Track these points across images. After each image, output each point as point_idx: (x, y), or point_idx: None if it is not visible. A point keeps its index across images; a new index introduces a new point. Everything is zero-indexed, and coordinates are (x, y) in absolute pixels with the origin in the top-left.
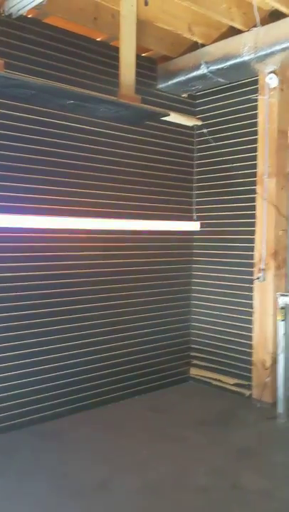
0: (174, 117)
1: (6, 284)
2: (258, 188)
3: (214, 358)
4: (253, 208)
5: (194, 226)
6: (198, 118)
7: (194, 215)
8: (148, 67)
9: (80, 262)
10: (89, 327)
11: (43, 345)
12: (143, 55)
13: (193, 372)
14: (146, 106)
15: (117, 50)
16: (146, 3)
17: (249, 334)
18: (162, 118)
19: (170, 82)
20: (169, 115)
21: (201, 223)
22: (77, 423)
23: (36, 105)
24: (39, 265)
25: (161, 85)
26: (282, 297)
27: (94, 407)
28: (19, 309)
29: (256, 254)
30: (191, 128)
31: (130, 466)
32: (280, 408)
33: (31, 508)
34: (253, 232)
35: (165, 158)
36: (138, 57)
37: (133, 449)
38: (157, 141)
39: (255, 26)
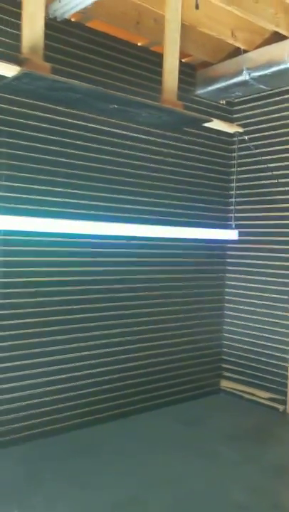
0: (215, 124)
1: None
2: None
3: (247, 371)
4: None
5: (232, 235)
6: (237, 125)
7: (233, 223)
8: (187, 73)
9: (115, 268)
10: (120, 334)
11: (75, 351)
12: (183, 60)
13: (225, 384)
14: (188, 112)
15: (157, 55)
16: (197, 7)
17: (285, 348)
18: (203, 124)
19: (209, 89)
20: (211, 121)
21: (239, 232)
22: (107, 433)
23: (76, 109)
24: (77, 271)
25: (199, 91)
26: None
27: (124, 417)
28: (56, 314)
29: None
30: (231, 135)
31: (162, 480)
32: None
33: None
34: None
35: (202, 165)
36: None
37: (164, 463)
38: (194, 147)
39: None
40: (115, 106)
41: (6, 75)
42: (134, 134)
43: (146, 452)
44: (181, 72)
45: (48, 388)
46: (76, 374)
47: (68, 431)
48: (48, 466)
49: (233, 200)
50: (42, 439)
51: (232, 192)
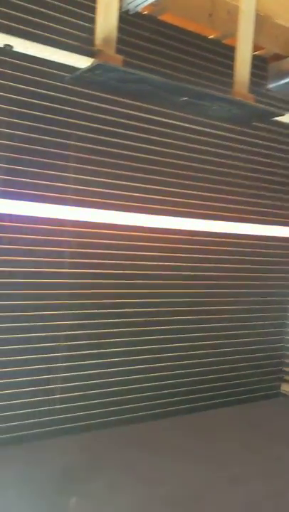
0: (287, 117)
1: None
2: None
3: None
4: None
5: None
6: None
7: None
8: (258, 66)
9: (179, 263)
10: (179, 331)
11: (136, 345)
12: (254, 53)
13: (286, 388)
14: (260, 105)
15: (229, 48)
16: None
17: None
18: (274, 118)
19: (282, 82)
20: (283, 115)
21: None
22: (166, 429)
23: (146, 102)
24: (140, 264)
25: (271, 85)
26: None
27: (182, 414)
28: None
29: None
30: None
31: (222, 481)
32: None
33: None
34: None
35: (270, 160)
36: None
37: (225, 463)
38: (262, 142)
39: None
40: (186, 99)
41: (79, 67)
42: (202, 128)
43: (204, 450)
44: (252, 65)
45: (114, 379)
46: (141, 366)
47: (129, 423)
48: (108, 456)
49: None
50: (102, 429)
51: None
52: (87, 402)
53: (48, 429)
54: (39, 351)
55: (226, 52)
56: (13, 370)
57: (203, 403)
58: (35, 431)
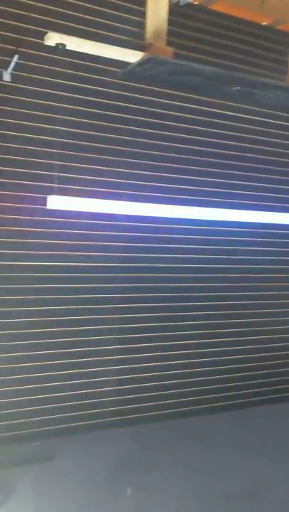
0: None
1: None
2: None
3: None
4: None
5: None
6: None
7: None
8: None
9: (214, 256)
10: (218, 326)
11: (187, 338)
12: None
13: None
14: None
15: (283, 34)
16: None
17: None
18: None
19: None
20: None
21: None
22: (216, 423)
23: (198, 94)
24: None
25: None
26: None
27: (237, 408)
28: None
29: None
30: None
31: (280, 478)
32: None
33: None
34: None
35: None
36: None
37: (282, 459)
38: None
39: None
40: (239, 88)
41: (131, 61)
42: (255, 118)
43: (263, 445)
44: None
45: (162, 372)
46: (188, 361)
47: (177, 417)
48: (161, 448)
49: None
50: (153, 423)
51: None
52: (137, 395)
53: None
54: (92, 344)
55: (280, 39)
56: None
57: (248, 400)
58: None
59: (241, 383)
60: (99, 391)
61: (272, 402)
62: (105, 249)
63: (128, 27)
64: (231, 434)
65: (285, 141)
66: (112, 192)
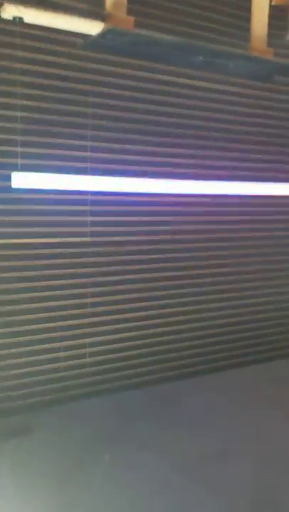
0: None
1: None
2: None
3: None
4: None
5: None
6: None
7: None
8: (278, 16)
9: (199, 227)
10: (199, 293)
11: (166, 307)
12: (272, 3)
13: None
14: (278, 59)
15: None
16: None
17: None
18: None
19: None
20: None
21: None
22: (192, 388)
23: (162, 64)
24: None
25: None
26: None
27: (208, 373)
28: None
29: None
30: None
31: (251, 436)
32: None
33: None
34: None
35: None
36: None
37: (253, 420)
38: (283, 97)
39: None
40: (201, 58)
41: (92, 33)
42: (220, 87)
43: (232, 408)
44: (271, 16)
45: (136, 342)
46: (167, 329)
47: (157, 384)
48: (139, 416)
49: None
50: (131, 391)
51: None
52: (112, 365)
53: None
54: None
55: (245, 4)
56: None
57: (233, 361)
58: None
59: (215, 347)
60: (76, 362)
61: (245, 364)
62: (74, 224)
63: None
64: (207, 399)
65: (249, 110)
66: (78, 166)
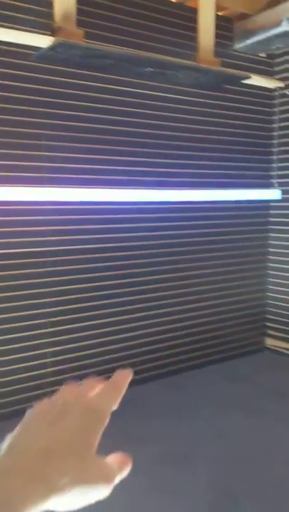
0: (254, 80)
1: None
2: None
3: None
4: None
5: (274, 194)
6: (278, 79)
7: (275, 181)
8: (224, 26)
9: (150, 233)
10: (163, 297)
11: (127, 313)
12: (219, 14)
13: (270, 342)
14: (227, 70)
15: (193, 11)
16: None
17: None
18: (242, 81)
19: (248, 42)
20: (250, 77)
21: (283, 190)
22: (150, 391)
23: (113, 75)
24: (117, 237)
25: (238, 45)
26: None
27: (167, 376)
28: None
29: None
30: (270, 90)
31: (210, 435)
32: None
33: None
34: None
35: (243, 122)
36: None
37: (212, 419)
38: (234, 105)
39: None
40: (150, 69)
41: (41, 46)
42: (171, 95)
43: (193, 408)
44: (217, 26)
45: (101, 349)
46: (127, 335)
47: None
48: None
49: (275, 157)
50: None
51: (274, 149)
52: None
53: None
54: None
55: (191, 16)
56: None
57: (192, 363)
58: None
59: (174, 351)
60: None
61: (200, 366)
62: (35, 234)
63: (38, 7)
64: (166, 400)
65: (196, 117)
66: (33, 176)
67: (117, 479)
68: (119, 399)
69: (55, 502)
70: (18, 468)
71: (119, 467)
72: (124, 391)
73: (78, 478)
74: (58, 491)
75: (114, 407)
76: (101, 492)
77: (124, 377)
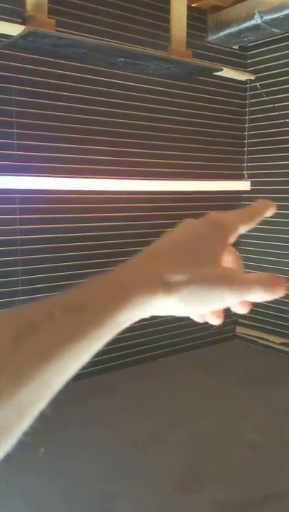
0: (226, 72)
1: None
2: None
3: (261, 318)
4: None
5: (245, 186)
6: (250, 71)
7: (245, 173)
8: (198, 18)
9: (121, 223)
10: None
11: None
12: (193, 5)
13: (240, 330)
14: (198, 61)
15: (166, 1)
16: None
17: None
18: (214, 73)
19: (221, 34)
20: (221, 70)
21: (252, 182)
22: (123, 378)
23: (85, 63)
24: (85, 226)
25: (211, 37)
26: None
27: (139, 363)
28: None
29: None
30: (243, 82)
31: (179, 420)
32: None
33: (92, 456)
34: None
35: (213, 114)
36: (188, 8)
37: (182, 405)
38: (205, 96)
39: None
40: (122, 59)
41: (12, 34)
42: (142, 85)
43: (164, 395)
44: (190, 17)
45: None
46: None
47: (87, 376)
48: (70, 407)
49: (246, 149)
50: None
51: (244, 141)
52: None
53: None
54: None
55: (164, 6)
56: None
57: (162, 350)
58: None
59: (145, 339)
60: None
61: (173, 353)
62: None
63: None
64: (138, 387)
65: (168, 108)
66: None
67: (249, 289)
68: (249, 223)
69: (171, 304)
70: (135, 263)
71: (256, 279)
72: (257, 218)
73: (194, 278)
74: (171, 288)
75: (242, 229)
76: (223, 296)
77: (263, 206)
